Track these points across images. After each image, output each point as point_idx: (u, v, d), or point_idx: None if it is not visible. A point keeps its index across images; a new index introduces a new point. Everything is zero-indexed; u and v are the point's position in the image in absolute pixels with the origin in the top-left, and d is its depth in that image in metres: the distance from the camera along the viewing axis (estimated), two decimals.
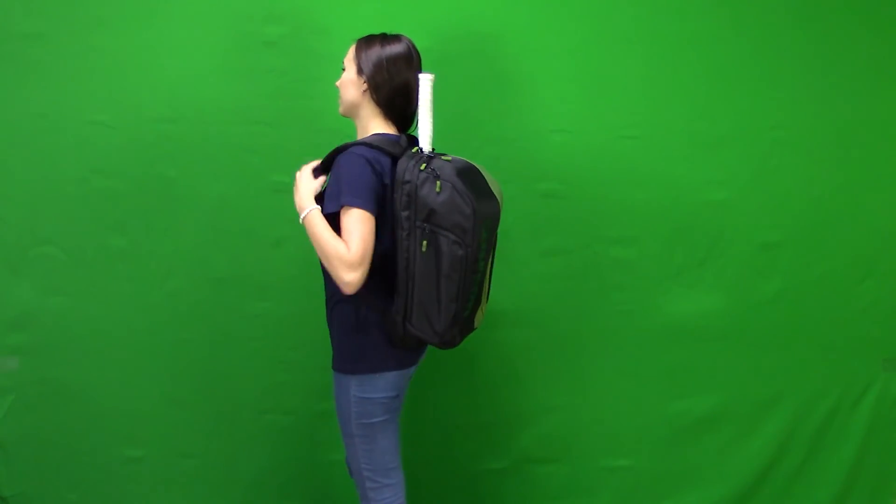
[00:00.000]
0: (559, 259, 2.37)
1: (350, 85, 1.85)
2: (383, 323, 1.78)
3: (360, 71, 1.83)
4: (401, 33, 1.88)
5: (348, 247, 1.67)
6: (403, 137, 1.87)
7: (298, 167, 2.26)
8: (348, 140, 2.25)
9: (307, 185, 1.80)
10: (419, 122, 1.79)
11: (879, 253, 2.49)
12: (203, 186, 2.27)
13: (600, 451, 2.48)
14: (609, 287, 2.42)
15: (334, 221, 1.72)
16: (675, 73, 2.37)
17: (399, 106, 1.84)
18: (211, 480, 2.36)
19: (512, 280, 2.35)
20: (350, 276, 1.67)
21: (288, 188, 2.26)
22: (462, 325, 1.78)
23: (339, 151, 1.77)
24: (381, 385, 1.81)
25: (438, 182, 1.68)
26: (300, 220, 1.76)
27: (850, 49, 2.42)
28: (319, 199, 1.79)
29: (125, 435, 2.32)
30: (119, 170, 2.24)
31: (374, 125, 1.85)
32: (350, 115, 1.90)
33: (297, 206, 1.79)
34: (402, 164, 1.73)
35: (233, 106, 2.25)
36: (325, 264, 1.72)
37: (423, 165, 1.70)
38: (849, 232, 2.47)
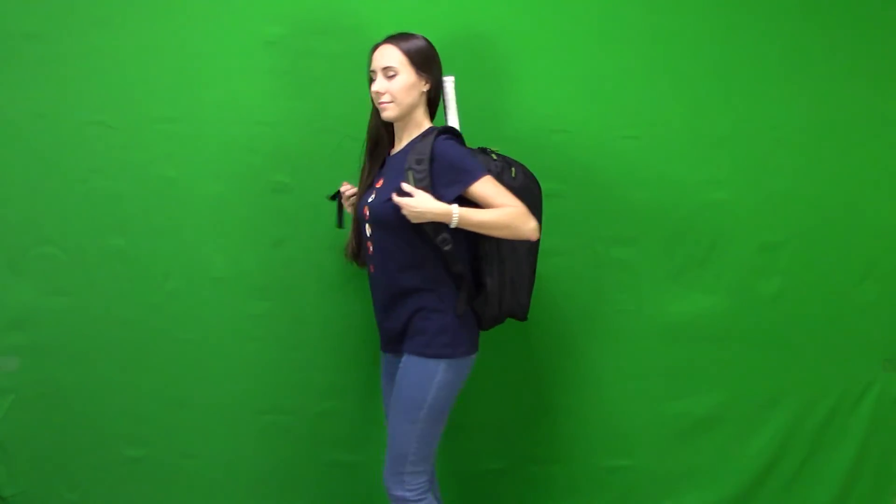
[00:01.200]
0: (559, 259, 2.37)
1: (411, 88, 1.86)
2: (475, 306, 1.89)
3: (420, 71, 1.87)
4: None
5: (509, 201, 1.79)
6: None
7: (298, 167, 2.27)
8: (348, 140, 2.27)
9: (426, 198, 1.77)
10: (448, 120, 1.93)
11: (879, 253, 2.49)
12: (203, 186, 2.27)
13: (600, 451, 2.48)
14: (609, 287, 2.42)
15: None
16: (675, 73, 2.38)
17: (437, 100, 1.96)
18: (211, 480, 2.36)
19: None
20: (532, 224, 1.81)
21: (288, 188, 2.28)
22: None
23: (428, 147, 1.81)
24: (466, 369, 1.91)
25: (513, 169, 1.91)
26: (452, 226, 1.78)
27: (850, 49, 2.42)
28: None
29: (125, 435, 2.32)
30: (119, 170, 2.24)
31: (424, 120, 1.93)
32: (404, 118, 1.91)
33: (440, 216, 1.77)
34: (477, 156, 1.89)
35: (233, 106, 2.25)
36: (508, 233, 1.81)
37: (494, 156, 1.91)
38: (849, 232, 2.47)
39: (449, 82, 1.95)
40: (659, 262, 2.42)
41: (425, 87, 1.90)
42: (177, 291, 2.28)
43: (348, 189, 2.09)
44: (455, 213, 1.76)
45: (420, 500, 1.89)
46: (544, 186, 2.23)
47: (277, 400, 2.35)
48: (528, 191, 1.91)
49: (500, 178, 1.86)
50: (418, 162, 1.78)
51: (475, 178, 1.79)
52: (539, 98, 2.34)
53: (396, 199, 1.77)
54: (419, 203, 1.75)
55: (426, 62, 1.88)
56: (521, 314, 2.01)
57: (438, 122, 1.98)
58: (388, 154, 2.00)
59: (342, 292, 2.32)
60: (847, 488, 2.53)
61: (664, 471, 2.49)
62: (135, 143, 2.24)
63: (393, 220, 1.82)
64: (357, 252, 2.09)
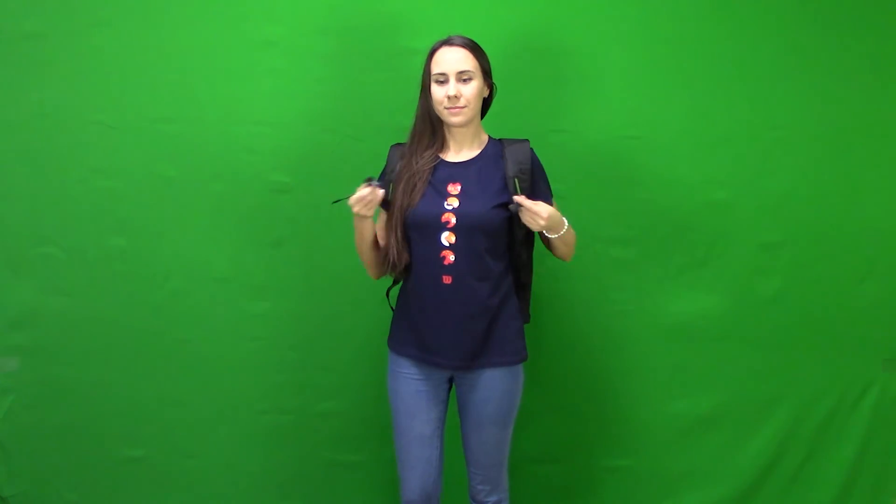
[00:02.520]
0: (559, 259, 2.36)
1: (480, 95, 1.87)
2: (524, 307, 1.98)
3: (486, 78, 1.89)
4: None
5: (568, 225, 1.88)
6: None
7: (298, 167, 2.27)
8: (348, 140, 2.27)
9: (548, 206, 1.81)
10: None
11: (879, 253, 2.49)
12: (203, 186, 2.27)
13: (600, 451, 2.48)
14: (609, 287, 2.42)
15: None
16: (675, 73, 2.37)
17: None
18: (211, 480, 2.36)
19: None
20: None
21: (288, 188, 2.28)
22: None
23: (528, 154, 1.90)
24: None
25: None
26: (558, 235, 1.85)
27: (850, 49, 2.42)
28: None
29: (125, 435, 2.32)
30: (119, 170, 2.24)
31: (481, 129, 1.95)
32: (469, 124, 1.89)
33: (559, 225, 1.84)
34: None
35: (233, 106, 2.25)
36: (569, 251, 1.95)
37: None
38: (849, 232, 2.47)
39: None
40: (659, 262, 2.42)
41: (486, 94, 1.90)
42: (177, 291, 2.28)
43: (375, 190, 1.80)
44: (566, 226, 1.86)
45: (507, 497, 2.03)
46: None
47: (277, 400, 2.35)
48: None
49: None
50: (522, 171, 1.85)
51: (552, 194, 1.94)
52: (539, 98, 2.34)
53: (526, 202, 1.76)
54: (546, 210, 1.77)
55: (489, 70, 1.89)
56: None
57: None
58: (441, 161, 1.90)
59: (342, 292, 2.32)
60: (847, 488, 2.53)
61: (664, 471, 2.49)
62: (135, 143, 2.24)
63: (498, 227, 1.83)
64: (399, 263, 1.88)
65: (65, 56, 2.20)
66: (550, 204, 1.87)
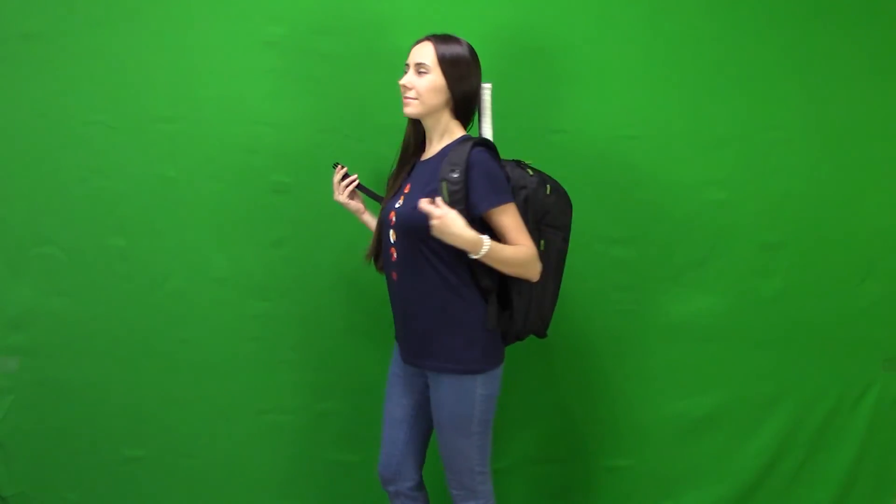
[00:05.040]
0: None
1: (438, 91, 1.80)
2: (500, 322, 1.85)
3: (448, 75, 1.80)
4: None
5: (523, 241, 1.75)
6: None
7: (298, 167, 2.27)
8: (348, 140, 2.27)
9: (457, 220, 1.66)
10: (483, 129, 1.87)
11: (879, 253, 2.49)
12: (203, 186, 2.27)
13: (600, 451, 2.48)
14: (609, 287, 2.42)
15: (481, 220, 1.75)
16: (676, 73, 2.37)
17: (472, 106, 1.88)
18: (211, 480, 2.36)
19: None
20: (539, 266, 1.78)
21: (288, 188, 2.28)
22: None
23: (464, 156, 1.72)
24: (499, 379, 1.88)
25: (548, 186, 1.85)
26: (478, 257, 1.69)
27: (849, 49, 2.42)
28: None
29: (125, 435, 2.32)
30: (119, 170, 2.24)
31: (455, 126, 1.86)
32: (426, 116, 1.85)
33: (468, 244, 1.67)
34: (511, 170, 1.83)
35: (233, 106, 2.25)
36: (517, 272, 1.76)
37: (530, 171, 1.84)
38: (849, 232, 2.47)
39: (486, 89, 1.88)
40: (659, 262, 2.42)
41: (449, 93, 1.82)
42: (177, 291, 2.28)
43: (342, 170, 2.01)
44: (486, 245, 1.67)
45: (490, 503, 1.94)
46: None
47: (277, 400, 2.36)
48: (560, 208, 1.87)
49: (536, 194, 1.81)
50: (453, 171, 1.70)
51: (504, 201, 1.73)
52: (539, 98, 2.34)
53: (424, 205, 1.66)
54: (450, 223, 1.65)
55: (457, 68, 1.80)
56: (543, 332, 1.96)
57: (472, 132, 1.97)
58: (419, 160, 1.93)
59: (342, 292, 2.32)
60: (847, 488, 2.53)
61: (664, 471, 2.50)
62: (135, 143, 2.24)
63: (420, 229, 1.71)
64: (377, 255, 1.99)
65: (65, 56, 2.20)
66: (484, 210, 1.72)
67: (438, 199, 1.68)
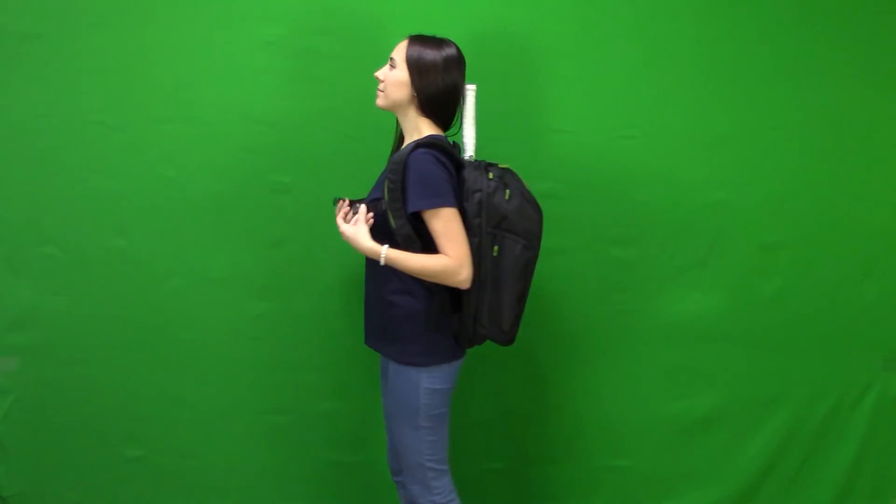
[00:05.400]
0: (559, 259, 2.37)
1: (401, 85, 1.83)
2: (452, 323, 1.85)
3: (412, 73, 1.82)
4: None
5: (447, 250, 1.74)
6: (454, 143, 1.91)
7: (298, 167, 2.27)
8: (348, 140, 2.27)
9: (357, 230, 1.81)
10: (464, 130, 1.86)
11: (879, 253, 2.49)
12: (203, 186, 2.27)
13: (600, 451, 2.48)
14: (609, 287, 2.42)
15: (418, 219, 1.76)
16: (675, 73, 2.38)
17: (444, 109, 1.87)
18: (211, 480, 2.36)
19: None
20: (462, 276, 1.75)
21: (288, 188, 2.28)
22: (519, 321, 1.87)
23: (404, 155, 1.76)
24: (449, 375, 1.88)
25: (508, 191, 1.79)
26: (381, 261, 1.79)
27: (849, 49, 2.42)
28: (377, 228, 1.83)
29: (125, 435, 2.32)
30: (119, 170, 2.24)
31: (425, 126, 1.87)
32: (391, 110, 1.90)
33: (368, 253, 1.81)
34: (468, 173, 1.80)
35: (233, 106, 2.25)
36: (438, 281, 1.78)
37: (490, 175, 1.79)
38: (849, 232, 2.47)
39: (470, 91, 1.87)
40: (659, 262, 2.42)
41: (414, 91, 1.83)
42: (177, 291, 2.28)
43: (344, 205, 1.96)
44: (383, 255, 1.77)
45: (448, 501, 1.91)
46: (544, 186, 2.24)
47: (277, 400, 2.35)
48: (522, 214, 1.80)
49: (491, 198, 1.78)
50: (393, 171, 1.75)
51: (436, 205, 1.73)
52: (539, 98, 2.34)
53: (338, 220, 1.86)
54: (351, 237, 1.81)
55: (420, 68, 1.82)
56: (501, 340, 1.87)
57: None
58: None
59: (342, 292, 2.32)
60: (847, 488, 2.53)
61: (664, 471, 2.50)
62: (135, 143, 2.24)
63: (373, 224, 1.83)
64: None
65: (65, 56, 2.20)
66: (417, 209, 1.74)
67: (361, 209, 1.82)
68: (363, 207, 1.83)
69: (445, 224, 1.74)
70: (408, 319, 1.84)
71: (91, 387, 2.29)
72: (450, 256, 1.74)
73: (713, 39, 2.38)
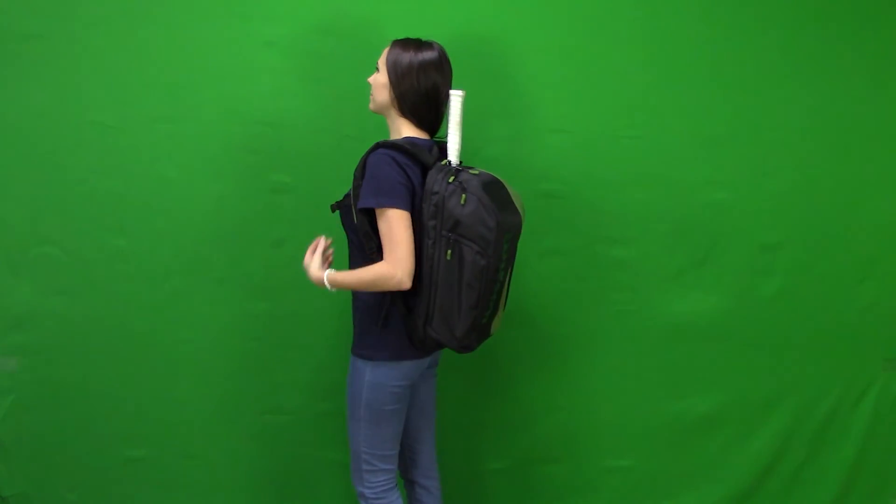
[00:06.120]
0: (559, 259, 2.37)
1: (382, 88, 1.88)
2: (405, 322, 1.85)
3: (390, 76, 1.85)
4: (433, 40, 1.90)
5: (385, 252, 1.76)
6: (435, 146, 1.90)
7: (298, 167, 2.28)
8: (348, 140, 2.27)
9: (311, 262, 1.90)
10: (448, 135, 1.85)
11: (879, 253, 2.49)
12: (203, 186, 2.27)
13: (600, 451, 2.48)
14: (609, 287, 2.42)
15: (370, 216, 1.79)
16: (675, 73, 2.38)
17: (425, 112, 1.88)
18: (211, 480, 2.36)
19: (512, 280, 2.34)
20: (398, 279, 1.75)
21: (288, 188, 2.29)
22: (480, 330, 1.82)
23: (370, 152, 1.81)
24: (395, 374, 1.87)
25: (464, 195, 1.74)
26: (329, 290, 1.86)
27: (849, 49, 2.42)
28: (344, 208, 1.88)
29: (125, 435, 2.32)
30: (119, 170, 2.24)
31: (405, 128, 1.89)
32: (381, 113, 1.94)
33: (316, 281, 1.87)
34: (431, 175, 1.79)
35: (233, 106, 2.25)
36: (378, 289, 1.80)
37: (452, 178, 1.76)
38: (849, 232, 2.47)
39: (455, 97, 1.84)
40: (659, 262, 2.42)
41: (392, 93, 1.85)
42: (177, 291, 2.28)
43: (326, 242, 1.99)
44: (327, 282, 1.84)
45: (379, 499, 1.92)
46: (544, 187, 2.24)
47: (277, 400, 2.36)
48: (477, 219, 1.72)
49: (447, 202, 1.73)
50: (357, 169, 1.81)
51: (382, 204, 1.74)
52: (539, 98, 2.34)
53: (307, 254, 1.92)
54: (306, 265, 1.89)
55: (396, 71, 1.84)
56: (455, 346, 1.80)
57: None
58: None
59: (341, 292, 2.31)
60: (847, 488, 2.54)
61: (664, 471, 2.50)
62: (135, 143, 2.24)
63: (343, 222, 1.90)
64: None
65: (65, 56, 2.20)
66: (366, 206, 1.76)
67: (320, 243, 1.93)
68: (322, 241, 1.93)
69: (388, 225, 1.75)
70: (364, 312, 1.89)
71: (91, 387, 2.29)
72: (385, 260, 1.76)
73: (713, 39, 2.38)
